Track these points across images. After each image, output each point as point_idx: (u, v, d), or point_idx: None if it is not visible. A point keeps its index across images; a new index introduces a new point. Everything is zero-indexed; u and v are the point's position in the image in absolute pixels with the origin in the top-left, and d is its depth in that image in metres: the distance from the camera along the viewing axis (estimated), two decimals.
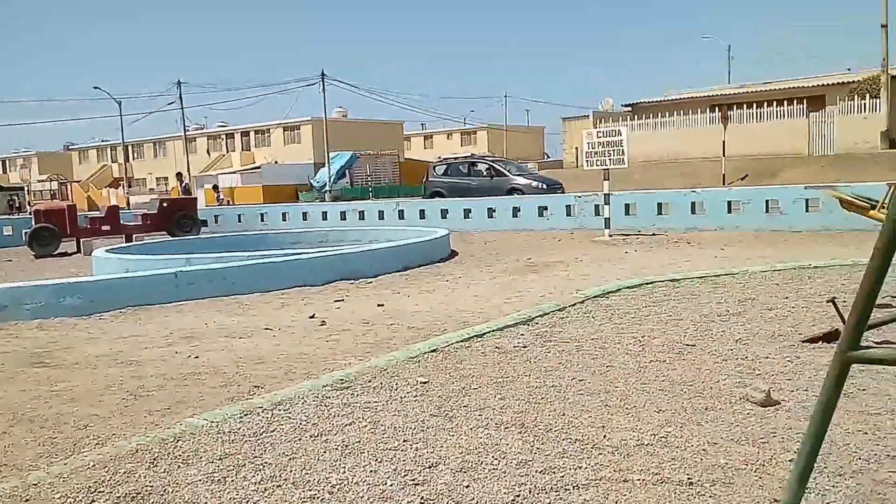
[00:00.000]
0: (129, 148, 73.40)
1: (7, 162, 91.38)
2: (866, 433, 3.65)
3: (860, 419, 3.76)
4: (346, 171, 54.71)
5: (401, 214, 22.29)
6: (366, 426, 4.10)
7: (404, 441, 3.84)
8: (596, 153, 15.88)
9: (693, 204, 17.30)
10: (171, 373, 5.82)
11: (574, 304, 7.64)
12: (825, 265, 9.43)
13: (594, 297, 8.05)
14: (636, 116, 44.04)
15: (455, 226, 19.54)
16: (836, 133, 36.21)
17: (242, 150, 71.09)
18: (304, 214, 24.96)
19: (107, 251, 13.58)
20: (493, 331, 6.48)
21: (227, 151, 72.52)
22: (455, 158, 32.12)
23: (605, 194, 16.29)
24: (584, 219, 18.74)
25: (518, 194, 23.45)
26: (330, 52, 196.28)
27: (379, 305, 8.67)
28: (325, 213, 24.64)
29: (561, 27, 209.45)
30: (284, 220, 24.95)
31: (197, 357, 6.34)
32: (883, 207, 6.34)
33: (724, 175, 32.73)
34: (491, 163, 27.67)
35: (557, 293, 8.78)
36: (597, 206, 18.10)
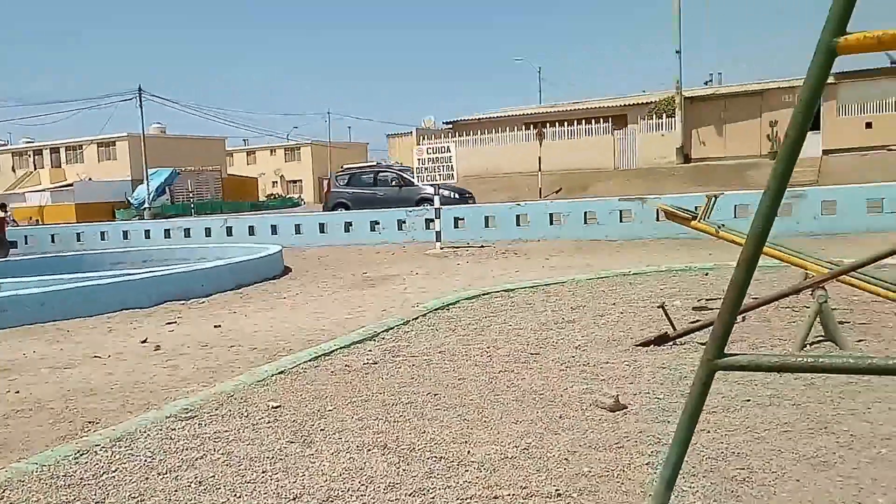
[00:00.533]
0: None
1: None
2: (709, 432, 3.86)
3: (701, 418, 3.96)
4: (167, 188, 52.99)
5: (229, 231, 21.62)
6: (219, 459, 3.89)
7: (263, 472, 3.67)
8: (427, 168, 16.13)
9: (518, 217, 17.93)
10: None
11: (417, 318, 7.66)
12: (643, 272, 10.05)
13: (435, 309, 8.12)
14: (457, 133, 45.24)
15: (286, 241, 19.18)
16: (638, 149, 39.65)
17: (52, 167, 66.51)
18: (125, 233, 23.54)
19: None
20: (341, 348, 6.38)
21: (35, 168, 67.75)
22: (359, 167, 30.17)
23: (435, 208, 16.53)
24: (416, 232, 18.95)
25: (429, 204, 22.56)
26: (150, 65, 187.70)
27: (216, 327, 8.32)
28: (148, 231, 23.37)
29: (382, 45, 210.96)
30: (104, 239, 23.45)
31: (17, 392, 5.81)
32: (703, 219, 6.79)
33: (540, 189, 34.43)
34: (398, 172, 25.92)
35: (398, 307, 8.79)
36: (427, 220, 18.34)
